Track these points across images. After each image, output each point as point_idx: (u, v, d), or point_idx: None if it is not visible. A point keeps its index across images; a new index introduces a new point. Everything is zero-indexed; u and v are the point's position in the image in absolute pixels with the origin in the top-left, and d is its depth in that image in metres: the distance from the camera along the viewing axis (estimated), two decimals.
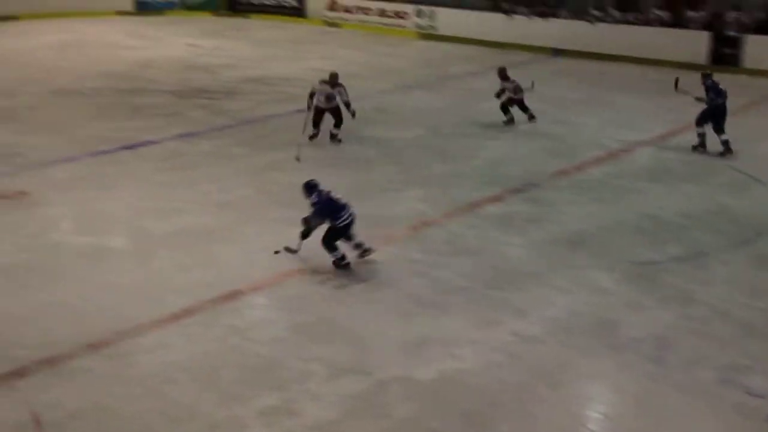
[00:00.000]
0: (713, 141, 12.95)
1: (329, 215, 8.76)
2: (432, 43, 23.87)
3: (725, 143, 12.87)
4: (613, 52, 21.04)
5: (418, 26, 25.05)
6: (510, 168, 12.35)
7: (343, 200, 8.89)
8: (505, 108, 14.84)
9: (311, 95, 13.05)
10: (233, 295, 8.20)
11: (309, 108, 13.06)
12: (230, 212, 10.42)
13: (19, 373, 6.75)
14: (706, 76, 13.06)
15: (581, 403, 6.72)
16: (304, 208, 10.40)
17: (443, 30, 24.34)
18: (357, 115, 13.14)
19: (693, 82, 13.37)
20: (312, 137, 13.24)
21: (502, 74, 14.88)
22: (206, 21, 26.94)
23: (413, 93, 17.52)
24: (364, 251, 9.02)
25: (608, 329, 7.66)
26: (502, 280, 8.63)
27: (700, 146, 13.10)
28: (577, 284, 8.57)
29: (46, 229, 9.75)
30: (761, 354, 7.26)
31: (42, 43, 21.96)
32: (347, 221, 8.78)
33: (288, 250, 8.99)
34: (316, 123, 13.29)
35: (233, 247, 9.36)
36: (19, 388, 6.60)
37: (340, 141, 13.40)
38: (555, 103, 16.25)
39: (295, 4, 27.78)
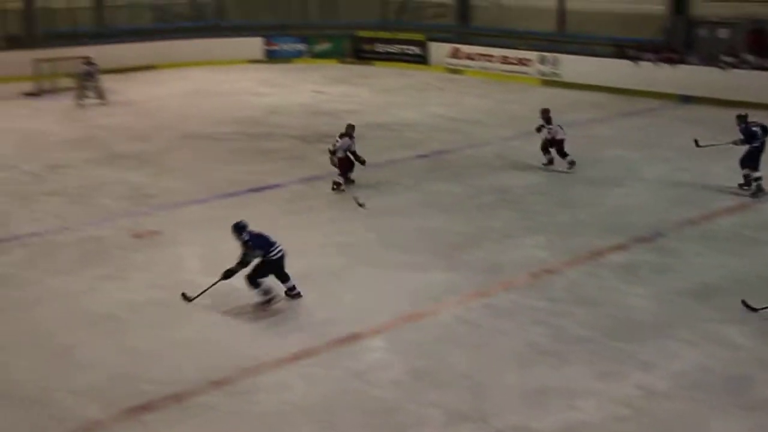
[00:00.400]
0: None
1: (261, 248, 8.99)
2: (555, 90, 23.69)
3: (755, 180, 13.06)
4: (747, 99, 20.28)
5: (541, 73, 24.95)
6: (634, 216, 12.06)
7: (273, 238, 9.13)
8: (545, 149, 14.74)
9: (333, 152, 13.38)
10: (352, 338, 8.28)
11: (333, 164, 13.45)
12: (352, 255, 10.56)
13: (148, 408, 7.00)
14: (740, 119, 13.36)
15: None
16: (428, 253, 10.53)
17: (567, 77, 24.14)
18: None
19: None
20: (339, 185, 13.40)
21: (545, 115, 14.89)
22: (332, 68, 27.65)
23: (535, 139, 17.34)
24: (295, 294, 9.17)
25: (741, 387, 7.31)
26: (626, 331, 8.38)
27: (745, 185, 13.25)
28: (706, 338, 8.23)
29: (175, 268, 10.14)
30: None
31: (176, 90, 23.05)
32: (279, 254, 9.04)
33: (185, 298, 9.02)
34: (345, 170, 13.52)
35: (353, 290, 9.48)
36: (147, 422, 6.84)
37: (353, 182, 13.61)
38: (682, 151, 15.79)
39: (418, 51, 28.19)
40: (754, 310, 8.74)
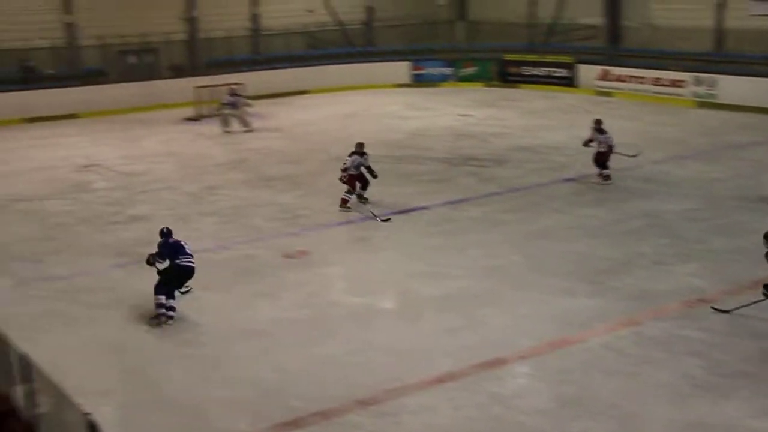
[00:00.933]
0: None
1: (169, 255, 9.32)
2: (711, 112, 22.73)
3: None
4: None
5: (696, 94, 24.02)
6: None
7: (189, 250, 9.52)
8: (598, 163, 14.80)
9: (345, 170, 13.67)
10: (497, 362, 8.19)
11: (341, 180, 13.74)
12: (497, 278, 10.48)
13: (295, 424, 7.16)
14: None
15: None
16: (575, 278, 10.33)
17: (724, 98, 23.10)
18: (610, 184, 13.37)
19: None
20: (346, 202, 13.70)
21: (598, 125, 14.98)
22: (478, 91, 27.64)
23: (688, 163, 16.74)
24: (162, 314, 9.25)
25: None
26: None
27: None
28: None
29: (323, 287, 10.37)
30: None
31: (326, 114, 23.66)
32: (188, 264, 9.40)
33: None
34: (353, 187, 13.83)
35: (499, 314, 9.39)
36: None
37: (367, 200, 13.93)
38: None
39: (565, 74, 27.78)
40: (726, 311, 8.89)
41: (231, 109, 21.36)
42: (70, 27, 25.40)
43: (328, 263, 11.21)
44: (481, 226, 12.73)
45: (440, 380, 7.87)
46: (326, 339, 8.88)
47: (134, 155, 18.44)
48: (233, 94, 21.54)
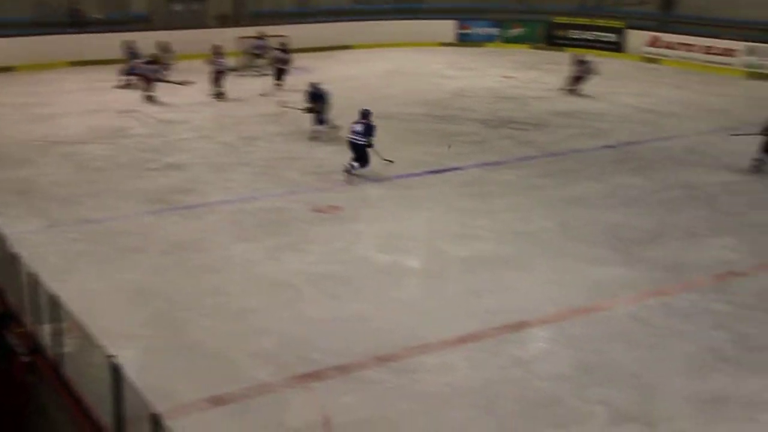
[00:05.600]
0: None
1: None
2: (763, 83, 22.20)
3: None
4: None
5: (748, 64, 23.44)
6: None
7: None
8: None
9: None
10: (520, 326, 8.18)
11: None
12: (527, 243, 10.42)
13: (315, 376, 7.23)
14: None
15: None
16: (607, 246, 10.28)
17: None
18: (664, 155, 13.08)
19: None
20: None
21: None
22: (523, 54, 27.26)
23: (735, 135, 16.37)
24: None
25: None
26: None
27: None
28: None
29: (353, 243, 10.38)
30: None
31: (370, 70, 23.53)
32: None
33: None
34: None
35: (525, 278, 9.35)
36: (315, 389, 7.06)
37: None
38: None
39: (614, 39, 27.26)
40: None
41: (260, 53, 21.64)
42: None
43: (358, 220, 11.22)
44: (515, 189, 12.63)
45: (462, 341, 7.88)
46: (351, 295, 8.93)
47: (174, 103, 18.52)
48: (261, 36, 21.72)
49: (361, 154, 12.98)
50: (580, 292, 8.96)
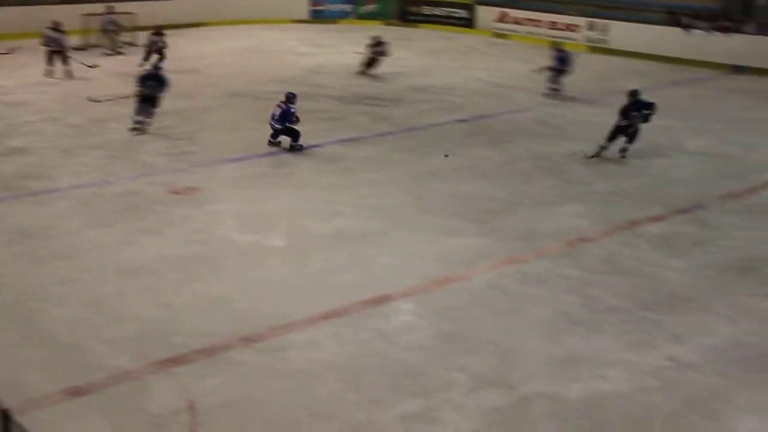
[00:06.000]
0: None
1: None
2: (602, 57, 23.29)
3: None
4: None
5: (589, 39, 24.52)
6: (676, 188, 11.86)
7: None
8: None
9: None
10: (383, 300, 8.30)
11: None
12: (386, 217, 10.56)
13: (177, 360, 7.09)
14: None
15: None
16: (463, 218, 10.53)
17: (615, 44, 23.70)
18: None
19: None
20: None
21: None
22: (377, 30, 27.37)
23: (579, 107, 17.15)
24: None
25: None
26: (660, 303, 8.29)
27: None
28: (742, 313, 8.11)
29: (211, 224, 10.21)
30: None
31: (222, 48, 23.07)
32: None
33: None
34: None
35: (387, 252, 9.48)
36: (177, 374, 6.93)
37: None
38: (730, 123, 15.49)
39: (465, 15, 27.86)
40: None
41: (113, 29, 21.22)
42: None
43: (217, 200, 11.04)
44: (373, 165, 12.76)
45: (326, 317, 7.92)
46: (213, 276, 8.79)
47: (15, 85, 17.57)
48: (110, 12, 21.16)
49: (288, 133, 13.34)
50: (439, 263, 9.18)
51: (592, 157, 13.08)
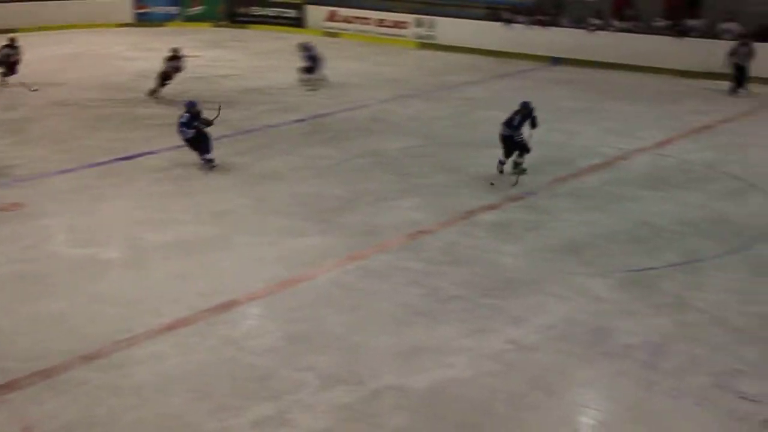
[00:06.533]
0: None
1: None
2: (431, 53, 23.93)
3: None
4: (612, 61, 21.07)
5: (418, 36, 25.11)
6: (506, 175, 12.33)
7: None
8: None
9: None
10: (229, 306, 8.20)
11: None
12: (227, 222, 10.43)
13: (11, 386, 6.73)
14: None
15: (576, 410, 6.68)
16: (304, 218, 10.55)
17: (442, 39, 24.40)
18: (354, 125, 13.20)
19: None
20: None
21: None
22: (206, 32, 27.02)
23: (411, 102, 17.54)
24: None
25: (603, 336, 7.63)
26: (498, 289, 8.61)
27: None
28: (573, 292, 8.55)
29: (41, 240, 9.76)
30: (755, 359, 7.24)
31: (43, 55, 21.99)
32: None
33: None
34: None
35: (229, 257, 9.37)
36: (12, 400, 6.58)
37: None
38: (553, 112, 16.23)
39: (294, 14, 27.88)
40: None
41: None
42: None
43: (45, 215, 10.54)
44: (211, 170, 12.55)
45: (170, 328, 7.74)
46: (46, 294, 8.39)
47: None
48: None
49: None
50: (283, 265, 9.16)
51: (503, 173, 12.12)
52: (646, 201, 11.26)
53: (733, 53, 18.02)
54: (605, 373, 7.06)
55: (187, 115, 12.36)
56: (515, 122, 11.98)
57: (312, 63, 18.81)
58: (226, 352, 7.37)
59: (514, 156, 12.13)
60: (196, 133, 12.35)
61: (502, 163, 12.11)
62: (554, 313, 8.11)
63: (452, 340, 7.55)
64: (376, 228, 10.26)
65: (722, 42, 19.48)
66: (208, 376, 6.98)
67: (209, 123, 12.56)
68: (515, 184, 11.84)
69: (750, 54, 17.81)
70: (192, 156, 12.91)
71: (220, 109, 13.04)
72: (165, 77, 17.43)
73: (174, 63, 17.53)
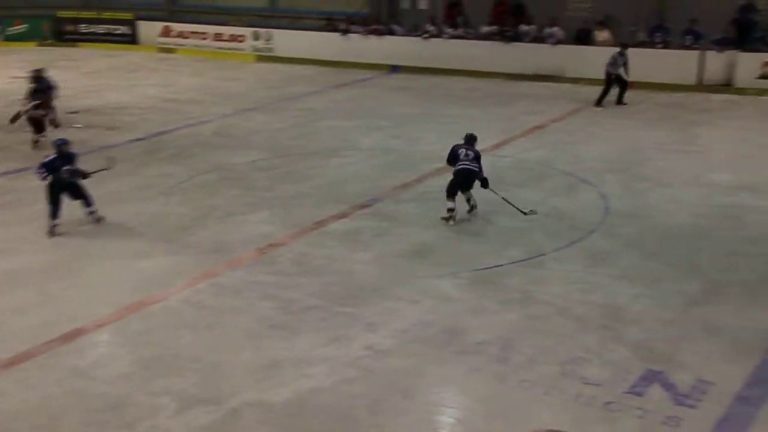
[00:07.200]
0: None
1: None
2: (270, 65, 23.88)
3: None
4: (447, 67, 21.72)
5: (256, 49, 24.99)
6: (353, 185, 12.47)
7: None
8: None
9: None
10: (74, 335, 7.86)
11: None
12: (68, 248, 10.03)
13: None
14: None
15: (434, 409, 6.82)
16: (150, 238, 10.25)
17: (280, 51, 24.39)
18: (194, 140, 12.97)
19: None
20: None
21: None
22: (31, 51, 25.78)
23: (253, 115, 17.44)
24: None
25: (455, 335, 7.84)
26: (352, 296, 8.68)
27: None
28: (424, 294, 8.73)
29: None
30: (596, 346, 7.64)
31: None
32: None
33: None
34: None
35: (72, 285, 9.00)
36: None
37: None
38: (394, 119, 16.60)
39: (126, 31, 27.11)
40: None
41: None
42: None
43: None
44: (41, 196, 11.94)
45: (11, 363, 7.34)
46: None
47: None
48: None
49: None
50: (132, 288, 8.88)
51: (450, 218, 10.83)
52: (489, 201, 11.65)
53: (613, 63, 17.73)
54: (459, 371, 7.25)
55: (53, 156, 10.59)
56: (470, 157, 10.77)
57: (48, 90, 15.58)
58: (74, 383, 7.07)
59: (466, 194, 10.92)
60: (64, 183, 10.52)
61: (452, 210, 10.74)
62: (407, 317, 8.25)
63: (310, 351, 7.55)
64: (226, 244, 10.12)
65: (546, 46, 20.60)
66: (56, 409, 6.67)
67: (86, 175, 10.81)
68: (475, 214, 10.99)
69: (626, 64, 17.65)
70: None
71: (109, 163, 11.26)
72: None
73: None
